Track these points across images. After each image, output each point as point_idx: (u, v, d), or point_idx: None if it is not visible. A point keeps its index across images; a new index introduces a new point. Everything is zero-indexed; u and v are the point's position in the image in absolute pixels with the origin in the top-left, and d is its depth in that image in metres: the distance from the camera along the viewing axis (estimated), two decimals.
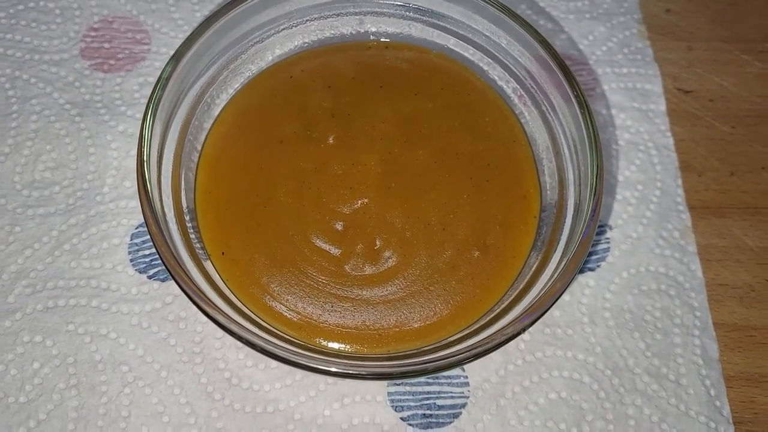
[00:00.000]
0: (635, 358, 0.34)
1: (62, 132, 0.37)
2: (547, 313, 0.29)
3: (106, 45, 0.40)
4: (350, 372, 0.26)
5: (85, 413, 0.31)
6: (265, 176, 0.33)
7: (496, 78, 0.37)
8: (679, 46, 0.43)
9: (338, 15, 0.37)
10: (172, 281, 0.34)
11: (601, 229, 0.37)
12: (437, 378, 0.32)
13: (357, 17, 0.37)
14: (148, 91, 0.39)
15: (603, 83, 0.41)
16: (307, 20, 0.36)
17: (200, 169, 0.34)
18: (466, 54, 0.37)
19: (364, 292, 0.31)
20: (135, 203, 0.36)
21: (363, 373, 0.26)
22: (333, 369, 0.26)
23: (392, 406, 0.32)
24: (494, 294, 0.31)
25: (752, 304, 0.36)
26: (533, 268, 0.31)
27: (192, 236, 0.32)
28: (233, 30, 0.34)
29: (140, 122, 0.37)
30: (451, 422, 0.32)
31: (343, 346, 0.31)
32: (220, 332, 0.33)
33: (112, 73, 0.39)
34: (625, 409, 0.33)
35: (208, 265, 0.32)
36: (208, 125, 0.35)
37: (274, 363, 0.33)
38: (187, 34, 0.40)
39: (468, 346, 0.27)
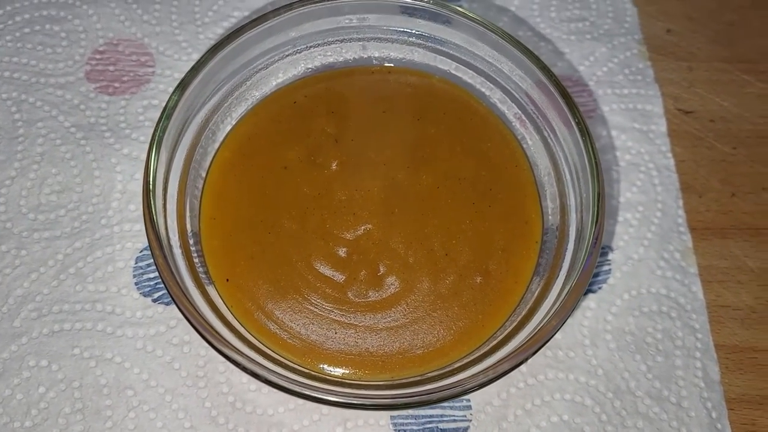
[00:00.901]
0: (637, 380, 0.34)
1: (68, 155, 0.38)
2: None
3: (111, 68, 0.40)
4: (354, 402, 0.26)
5: None
6: (269, 202, 0.33)
7: (497, 103, 0.37)
8: (679, 67, 0.43)
9: (342, 41, 0.37)
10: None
11: (603, 251, 0.37)
12: None
13: (360, 43, 0.37)
14: (153, 114, 0.39)
15: (604, 104, 0.41)
16: (310, 46, 0.37)
17: (205, 195, 0.34)
18: (467, 79, 0.37)
19: (368, 319, 0.32)
20: (139, 226, 0.36)
21: (367, 403, 0.26)
22: (338, 400, 0.26)
23: (395, 430, 0.32)
24: (497, 320, 0.32)
25: (753, 326, 0.36)
26: (535, 294, 0.31)
27: (196, 260, 0.33)
28: (238, 57, 0.34)
29: (144, 145, 0.38)
30: None
31: (347, 372, 0.31)
32: None
33: (117, 95, 0.40)
34: None
35: (212, 290, 0.32)
36: (212, 151, 0.35)
37: None
38: (191, 56, 0.41)
39: (471, 376, 0.27)
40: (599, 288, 0.36)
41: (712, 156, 0.40)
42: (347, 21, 0.36)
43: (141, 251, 0.36)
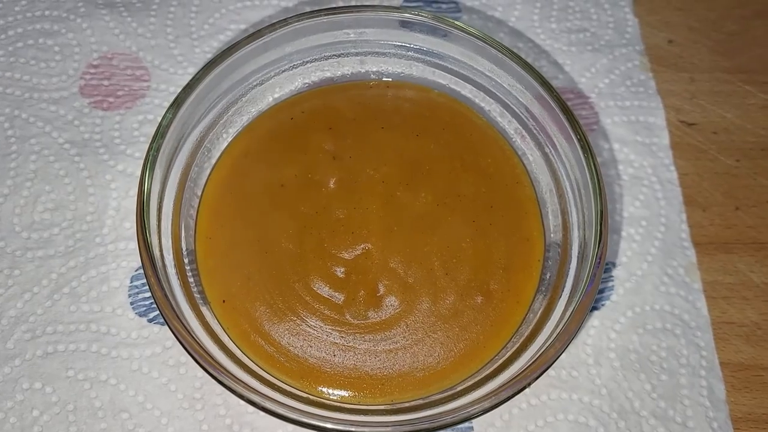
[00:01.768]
0: (641, 400, 0.34)
1: (61, 172, 0.37)
2: None
3: (106, 82, 0.40)
4: (354, 431, 0.25)
5: None
6: (266, 221, 0.33)
7: (497, 117, 0.36)
8: (681, 78, 0.42)
9: (339, 56, 0.36)
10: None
11: (606, 267, 0.36)
12: None
13: (358, 57, 0.37)
14: (148, 129, 0.39)
15: (605, 117, 0.40)
16: (307, 61, 0.36)
17: (201, 213, 0.33)
18: (467, 93, 0.37)
19: (367, 341, 0.31)
20: (134, 245, 0.36)
21: (367, 431, 0.26)
22: (337, 428, 0.25)
23: None
24: (498, 341, 0.31)
25: (759, 343, 0.36)
26: (538, 314, 0.31)
27: (191, 280, 0.32)
28: (234, 73, 0.34)
29: (140, 161, 0.38)
30: None
31: (345, 395, 0.30)
32: None
33: (112, 110, 0.39)
34: None
35: (207, 311, 0.31)
36: (208, 169, 0.35)
37: None
38: (187, 70, 0.40)
39: (474, 401, 0.26)
40: (602, 305, 0.36)
41: (715, 169, 0.40)
42: (345, 35, 0.36)
43: (136, 270, 0.35)
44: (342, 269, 0.32)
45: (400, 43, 0.36)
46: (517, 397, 0.33)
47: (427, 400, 0.29)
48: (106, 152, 0.38)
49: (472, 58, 0.35)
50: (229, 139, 0.35)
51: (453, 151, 0.35)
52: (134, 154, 0.38)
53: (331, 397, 0.30)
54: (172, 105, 0.31)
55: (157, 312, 0.34)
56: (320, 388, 0.30)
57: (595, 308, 0.35)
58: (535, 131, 0.35)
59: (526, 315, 0.32)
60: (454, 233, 0.33)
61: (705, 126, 0.41)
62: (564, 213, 0.33)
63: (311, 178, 0.34)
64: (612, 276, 0.36)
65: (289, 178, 0.34)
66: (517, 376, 0.27)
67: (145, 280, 0.35)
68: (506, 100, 0.35)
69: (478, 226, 0.33)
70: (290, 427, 0.32)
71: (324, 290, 0.32)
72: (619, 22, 0.43)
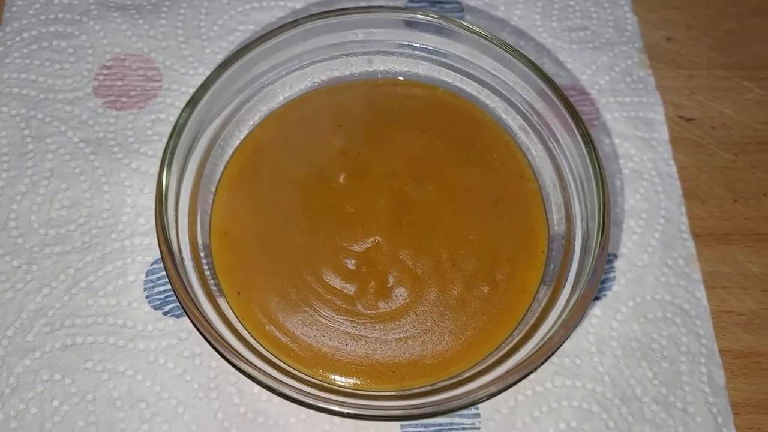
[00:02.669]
0: (643, 386, 0.34)
1: (77, 170, 0.38)
2: None
3: (119, 83, 0.41)
4: (366, 414, 0.26)
5: None
6: (279, 216, 0.34)
7: (501, 114, 0.37)
8: (680, 74, 0.43)
9: (348, 55, 0.37)
10: (186, 317, 0.34)
11: (608, 258, 0.37)
12: None
13: (366, 57, 0.38)
14: (161, 128, 0.39)
15: (606, 113, 0.41)
16: (317, 61, 0.37)
17: (215, 209, 0.34)
18: (472, 91, 0.38)
19: (377, 330, 0.32)
20: (149, 240, 0.37)
21: (378, 414, 0.27)
22: (350, 411, 0.26)
23: None
24: (505, 329, 0.32)
25: (757, 331, 0.37)
26: (543, 303, 0.32)
27: (207, 273, 0.33)
28: (246, 73, 0.35)
29: (153, 159, 0.39)
30: None
31: (357, 382, 0.31)
32: None
33: (125, 110, 0.40)
34: None
35: (223, 302, 0.32)
36: (222, 166, 0.36)
37: None
38: (198, 70, 0.41)
39: (481, 386, 0.27)
40: (604, 295, 0.37)
41: (713, 163, 0.41)
42: (353, 35, 0.37)
43: (151, 264, 0.36)
44: (353, 261, 0.33)
45: (406, 43, 0.37)
46: (522, 384, 0.34)
47: (435, 386, 0.30)
48: (120, 151, 0.39)
49: (476, 56, 0.36)
50: (242, 137, 0.36)
51: (459, 146, 0.36)
52: (148, 153, 0.39)
53: (343, 383, 0.31)
54: (187, 104, 0.32)
55: (173, 305, 0.35)
56: (332, 376, 0.31)
57: (597, 298, 0.36)
58: (538, 127, 0.36)
59: (531, 304, 0.33)
60: (460, 226, 0.34)
61: (703, 121, 0.42)
62: (567, 206, 0.34)
63: (321, 173, 0.35)
64: (614, 267, 0.37)
65: (301, 174, 0.35)
66: (522, 362, 0.28)
67: (160, 275, 0.36)
68: (510, 97, 0.36)
69: (483, 219, 0.34)
70: (302, 414, 0.33)
71: (336, 282, 0.33)
72: (618, 21, 0.44)
